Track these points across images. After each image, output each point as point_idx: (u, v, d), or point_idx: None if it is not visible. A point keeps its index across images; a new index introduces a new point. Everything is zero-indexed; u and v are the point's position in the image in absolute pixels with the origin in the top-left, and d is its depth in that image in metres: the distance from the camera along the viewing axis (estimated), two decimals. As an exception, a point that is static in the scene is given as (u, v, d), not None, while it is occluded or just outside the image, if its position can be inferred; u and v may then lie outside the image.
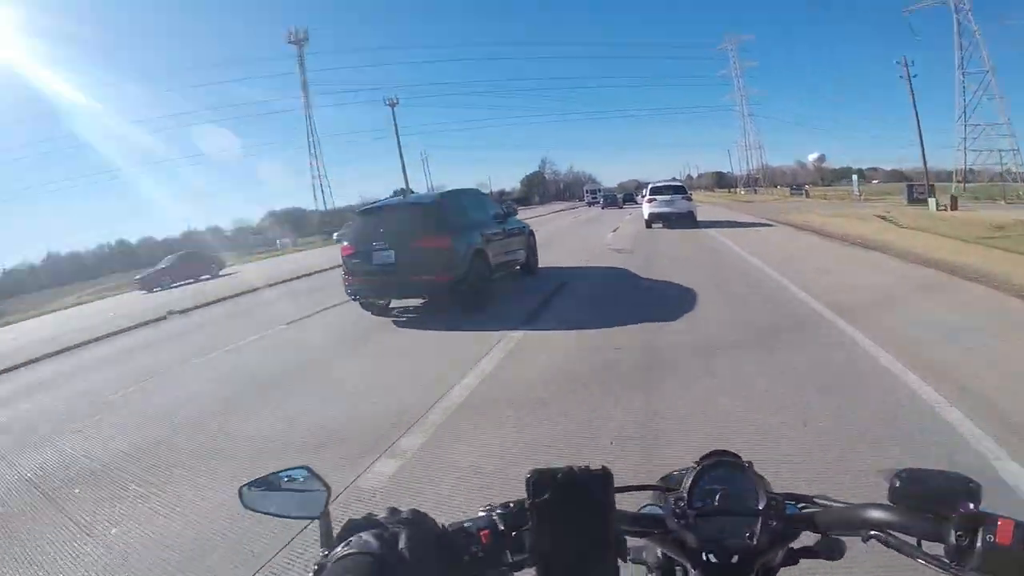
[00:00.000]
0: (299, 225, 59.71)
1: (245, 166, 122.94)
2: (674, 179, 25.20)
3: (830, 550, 0.68)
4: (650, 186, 20.31)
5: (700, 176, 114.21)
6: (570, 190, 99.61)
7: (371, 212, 7.95)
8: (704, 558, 0.65)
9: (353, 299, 7.69)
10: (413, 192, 10.78)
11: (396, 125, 56.44)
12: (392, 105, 56.48)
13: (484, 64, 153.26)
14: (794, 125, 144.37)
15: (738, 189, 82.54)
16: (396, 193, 9.39)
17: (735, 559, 0.64)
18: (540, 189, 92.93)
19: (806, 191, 53.77)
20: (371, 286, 7.33)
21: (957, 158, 51.37)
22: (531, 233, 10.07)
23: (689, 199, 18.99)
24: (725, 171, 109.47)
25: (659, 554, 0.74)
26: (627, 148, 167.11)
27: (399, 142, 57.49)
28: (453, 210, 7.52)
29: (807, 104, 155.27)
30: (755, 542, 0.64)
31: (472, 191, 9.35)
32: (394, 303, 8.12)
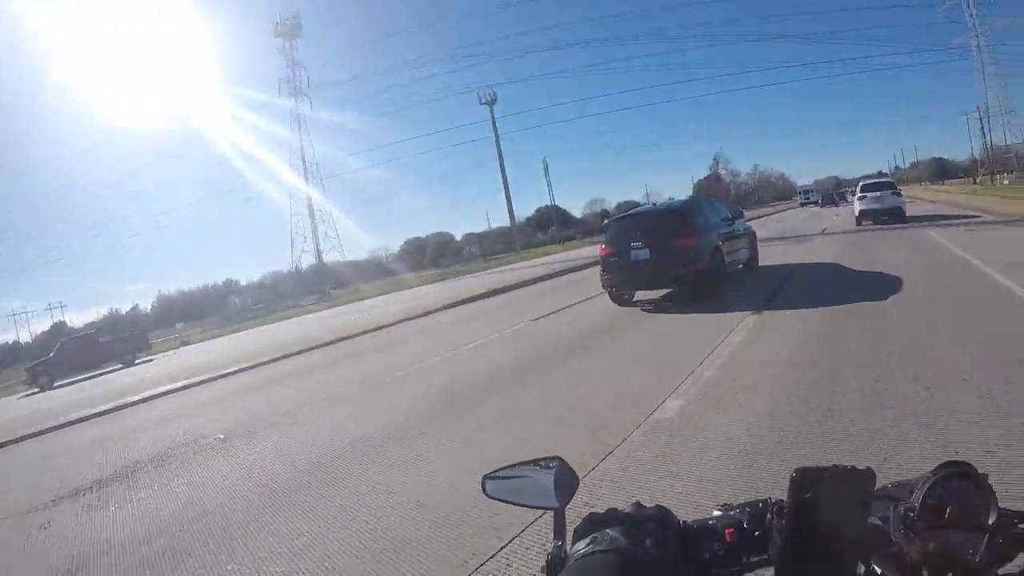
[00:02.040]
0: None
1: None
2: (881, 173, 25.23)
3: None
4: (860, 184, 21.16)
5: (913, 166, 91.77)
6: (756, 195, 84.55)
7: (625, 219, 9.96)
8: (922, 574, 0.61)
9: (609, 291, 9.57)
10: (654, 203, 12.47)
11: (495, 129, 48.99)
12: (490, 103, 46.97)
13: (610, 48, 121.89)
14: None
15: (1000, 175, 51.94)
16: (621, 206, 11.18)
17: None
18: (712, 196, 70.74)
19: None
20: (627, 279, 9.16)
21: None
22: (753, 234, 11.16)
23: (899, 194, 19.16)
24: (947, 157, 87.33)
25: (876, 570, 0.68)
26: (822, 137, 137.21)
27: (500, 152, 48.84)
28: (696, 214, 9.08)
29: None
30: (977, 559, 0.59)
31: (707, 199, 10.90)
32: (637, 296, 9.84)
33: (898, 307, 6.24)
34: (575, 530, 0.64)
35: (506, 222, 65.08)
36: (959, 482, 0.64)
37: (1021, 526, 0.63)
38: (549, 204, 74.80)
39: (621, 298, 9.65)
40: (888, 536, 0.63)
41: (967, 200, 24.97)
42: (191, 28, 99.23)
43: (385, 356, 9.61)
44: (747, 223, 11.25)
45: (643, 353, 6.21)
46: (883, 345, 4.85)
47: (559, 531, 0.74)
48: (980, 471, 0.65)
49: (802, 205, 49.99)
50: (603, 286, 9.60)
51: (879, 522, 0.65)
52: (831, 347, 5.10)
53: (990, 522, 0.61)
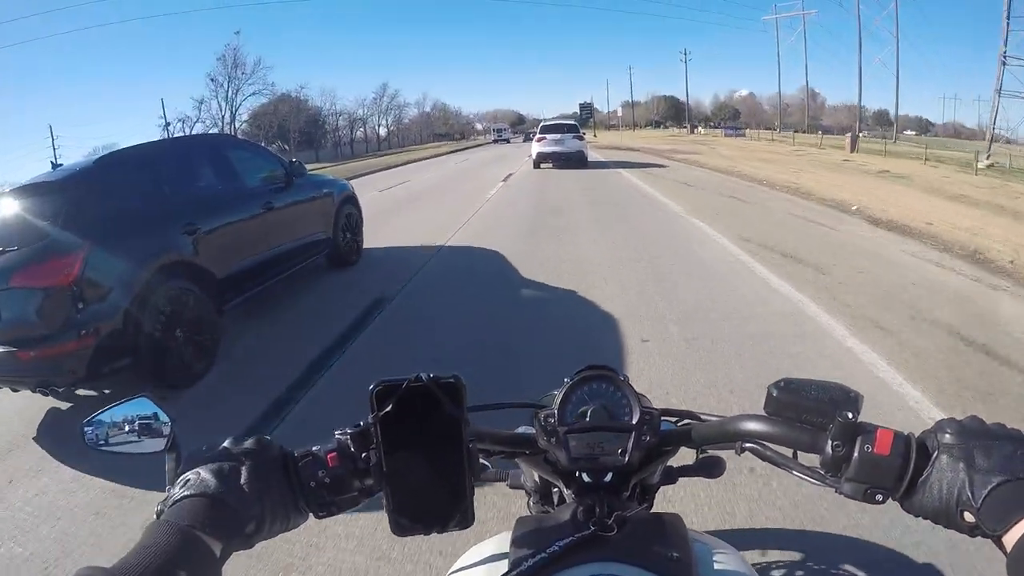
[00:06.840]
0: None
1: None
2: (581, 107, 24.92)
3: (709, 468, 0.70)
4: (540, 125, 19.43)
5: (626, 105, 69.80)
6: (400, 136, 64.91)
7: None
8: (578, 477, 0.63)
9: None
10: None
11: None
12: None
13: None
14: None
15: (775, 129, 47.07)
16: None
17: (609, 477, 0.63)
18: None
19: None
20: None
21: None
22: (347, 199, 6.40)
23: (581, 138, 18.15)
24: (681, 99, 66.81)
25: (536, 478, 0.73)
26: (497, 70, 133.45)
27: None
28: (117, 190, 3.67)
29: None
30: (627, 459, 0.61)
31: (203, 138, 5.96)
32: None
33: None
34: (178, 472, 0.53)
35: None
36: (598, 385, 0.64)
37: (667, 420, 0.67)
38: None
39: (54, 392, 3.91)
40: (535, 444, 0.63)
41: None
42: None
43: None
44: (330, 179, 6.59)
45: None
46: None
47: (171, 476, 0.55)
48: (621, 375, 0.64)
49: (495, 142, 54.48)
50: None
51: (531, 431, 0.64)
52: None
53: (633, 421, 0.62)
